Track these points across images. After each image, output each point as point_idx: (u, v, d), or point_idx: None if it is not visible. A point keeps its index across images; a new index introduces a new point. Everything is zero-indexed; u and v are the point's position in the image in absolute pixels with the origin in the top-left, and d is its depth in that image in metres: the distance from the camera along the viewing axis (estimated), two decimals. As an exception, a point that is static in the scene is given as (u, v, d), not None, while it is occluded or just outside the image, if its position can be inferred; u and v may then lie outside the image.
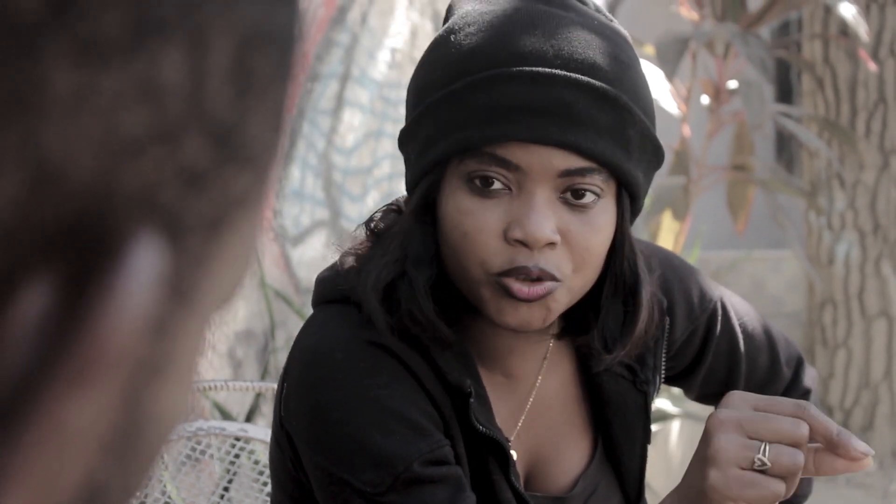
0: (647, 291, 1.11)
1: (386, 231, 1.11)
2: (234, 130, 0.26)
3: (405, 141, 1.10)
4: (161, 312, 0.25)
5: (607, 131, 1.02)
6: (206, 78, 0.24)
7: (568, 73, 1.01)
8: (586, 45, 1.03)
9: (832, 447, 1.00)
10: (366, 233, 1.13)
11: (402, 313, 1.06)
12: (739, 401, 1.01)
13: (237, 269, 0.28)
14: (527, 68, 1.01)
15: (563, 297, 1.05)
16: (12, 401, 0.23)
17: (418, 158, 1.07)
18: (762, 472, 0.98)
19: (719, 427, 0.99)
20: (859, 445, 1.00)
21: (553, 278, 1.02)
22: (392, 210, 1.14)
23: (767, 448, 0.98)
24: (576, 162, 1.02)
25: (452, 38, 1.06)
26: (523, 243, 1.01)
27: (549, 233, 1.01)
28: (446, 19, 1.12)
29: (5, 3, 0.21)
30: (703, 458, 1.00)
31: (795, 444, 0.98)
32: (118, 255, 0.24)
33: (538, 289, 1.02)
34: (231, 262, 0.27)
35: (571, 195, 1.03)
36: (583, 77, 1.02)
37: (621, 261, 1.09)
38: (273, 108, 0.27)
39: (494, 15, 1.06)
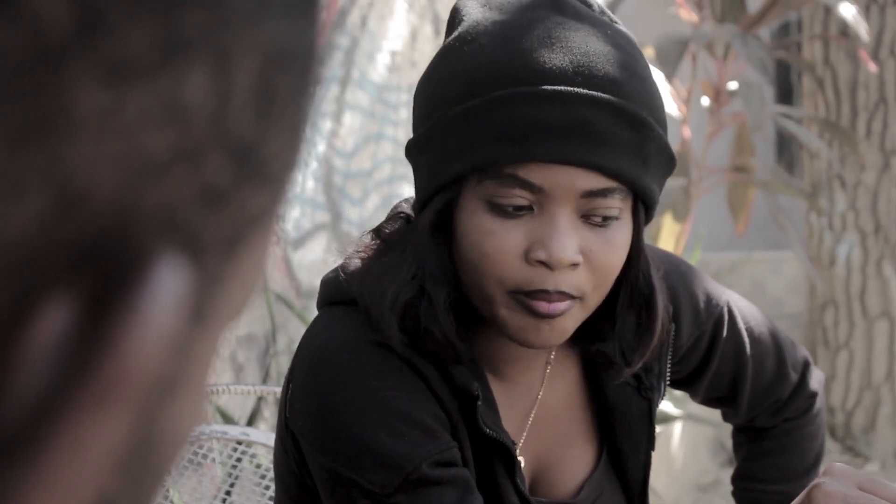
0: (662, 300, 1.11)
1: (394, 239, 1.10)
2: (254, 149, 0.25)
3: (414, 152, 1.08)
4: (181, 332, 0.25)
5: (628, 149, 1.01)
6: (229, 97, 0.24)
7: (590, 92, 1.00)
8: (605, 60, 1.02)
9: None
10: (373, 238, 1.12)
11: (422, 332, 1.05)
12: (844, 474, 1.00)
13: (249, 284, 0.28)
14: (549, 87, 0.99)
15: (580, 314, 1.05)
16: (32, 421, 0.23)
17: (432, 173, 1.05)
18: None
19: (827, 500, 0.99)
20: None
21: (571, 298, 1.02)
22: (400, 217, 1.12)
23: None
24: (598, 182, 1.01)
25: (466, 48, 1.04)
26: (545, 264, 1.01)
27: (572, 254, 1.00)
28: (452, 24, 1.10)
29: (34, 24, 0.21)
30: None
31: None
32: (140, 276, 0.24)
33: (559, 305, 1.01)
34: (244, 279, 0.27)
35: (592, 215, 1.02)
36: (605, 95, 1.00)
37: (636, 273, 1.08)
38: (291, 126, 0.27)
39: (508, 26, 1.03)
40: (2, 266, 0.22)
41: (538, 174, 1.00)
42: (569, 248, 1.00)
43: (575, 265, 1.01)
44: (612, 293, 1.08)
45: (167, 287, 0.24)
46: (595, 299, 1.05)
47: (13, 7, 0.21)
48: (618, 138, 1.00)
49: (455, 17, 1.10)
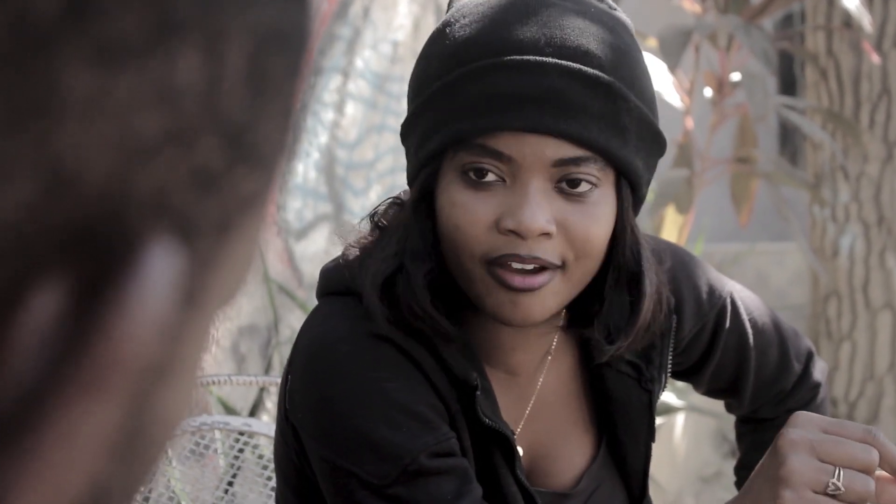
0: (652, 281, 1.09)
1: (389, 224, 1.11)
2: (246, 131, 0.25)
3: (405, 134, 1.09)
4: (173, 317, 0.25)
5: (601, 119, 1.01)
6: (221, 79, 0.24)
7: (559, 61, 1.00)
8: (580, 33, 1.02)
9: None
10: (370, 225, 1.13)
11: (403, 308, 1.05)
12: (808, 422, 1.00)
13: (242, 268, 0.28)
14: (517, 57, 1.00)
15: (563, 287, 1.03)
16: (23, 407, 0.23)
17: (417, 151, 1.07)
18: (834, 496, 0.98)
19: (791, 448, 0.99)
20: None
21: (548, 265, 1.01)
22: (396, 203, 1.13)
23: (842, 473, 0.98)
24: (569, 151, 1.01)
25: (448, 30, 1.06)
26: (516, 233, 1.00)
27: (543, 223, 1.00)
28: (447, 13, 1.12)
29: (24, 6, 0.21)
30: (773, 477, 1.00)
31: (866, 471, 0.99)
32: (132, 260, 0.24)
33: (535, 279, 1.01)
34: (237, 262, 0.27)
35: (567, 184, 1.02)
36: (574, 64, 1.00)
37: (623, 250, 1.07)
38: (283, 108, 0.26)
39: (490, 6, 1.05)
40: None
41: (508, 143, 1.00)
42: (539, 217, 1.00)
43: (548, 234, 1.01)
44: (603, 273, 1.07)
45: (159, 271, 0.24)
46: (578, 273, 1.04)
47: None
48: (589, 108, 1.00)
49: (449, 5, 1.12)
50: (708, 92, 4.26)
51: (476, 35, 1.03)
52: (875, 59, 4.77)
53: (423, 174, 1.06)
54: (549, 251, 1.01)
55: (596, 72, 1.01)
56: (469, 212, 1.02)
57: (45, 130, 0.22)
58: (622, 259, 1.08)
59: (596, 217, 1.03)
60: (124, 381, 0.24)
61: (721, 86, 4.19)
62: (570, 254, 1.02)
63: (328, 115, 3.69)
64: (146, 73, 0.23)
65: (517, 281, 1.01)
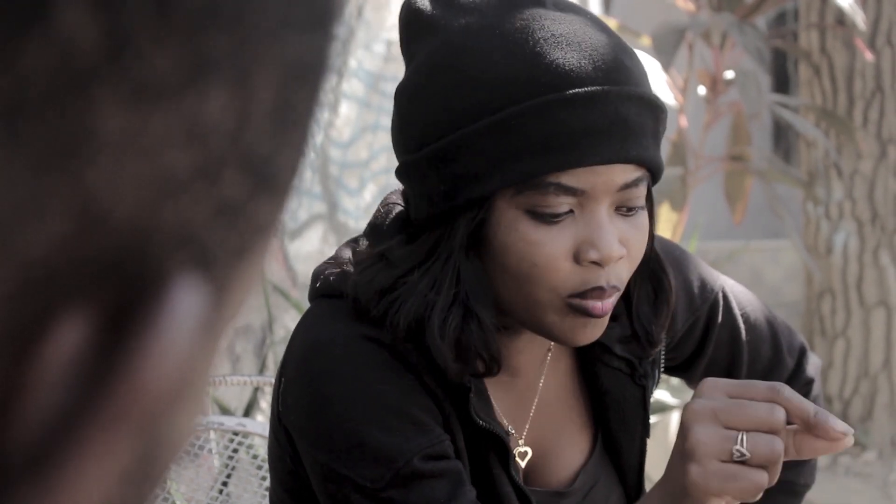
0: (669, 269, 1.14)
1: (401, 254, 1.07)
2: (268, 161, 0.25)
3: (410, 175, 1.05)
4: (195, 349, 0.25)
5: (651, 135, 1.03)
6: (249, 114, 0.24)
7: (618, 88, 1.00)
8: (609, 50, 1.02)
9: (810, 429, 0.97)
10: (369, 245, 1.11)
11: (471, 354, 1.04)
12: (712, 388, 0.98)
13: (250, 286, 0.28)
14: (579, 90, 0.99)
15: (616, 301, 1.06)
16: (48, 438, 0.23)
17: (453, 189, 1.02)
18: (742, 462, 0.95)
19: (694, 418, 0.96)
20: (837, 425, 0.96)
21: (617, 289, 1.04)
22: (392, 204, 1.12)
23: (745, 438, 0.95)
24: (632, 173, 1.02)
25: (468, 60, 1.01)
26: (597, 263, 1.01)
27: (619, 249, 1.02)
28: (416, 29, 1.06)
29: (64, 48, 0.21)
30: (681, 452, 0.97)
31: (772, 431, 0.95)
32: (158, 294, 0.24)
33: (610, 302, 1.03)
34: (247, 283, 0.28)
35: (625, 206, 1.04)
36: (629, 88, 1.01)
37: (649, 248, 1.11)
38: (301, 136, 0.27)
39: (504, 29, 1.01)
40: (22, 285, 0.22)
41: (581, 178, 1.00)
42: (615, 244, 1.02)
43: (621, 258, 1.03)
44: None
45: (185, 305, 0.24)
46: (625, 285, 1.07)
47: (45, 30, 0.21)
48: (645, 127, 1.02)
49: (418, 19, 1.06)
50: (702, 90, 4.26)
51: (514, 67, 0.99)
52: (868, 56, 4.78)
53: (470, 215, 1.02)
54: (621, 275, 1.04)
55: (644, 90, 1.02)
56: (546, 248, 1.01)
57: (80, 169, 0.22)
58: (647, 256, 1.10)
59: (644, 230, 1.06)
60: (146, 413, 0.24)
61: (715, 84, 4.19)
62: (628, 273, 1.05)
63: (322, 115, 3.68)
64: (178, 111, 0.23)
65: (597, 310, 1.02)
